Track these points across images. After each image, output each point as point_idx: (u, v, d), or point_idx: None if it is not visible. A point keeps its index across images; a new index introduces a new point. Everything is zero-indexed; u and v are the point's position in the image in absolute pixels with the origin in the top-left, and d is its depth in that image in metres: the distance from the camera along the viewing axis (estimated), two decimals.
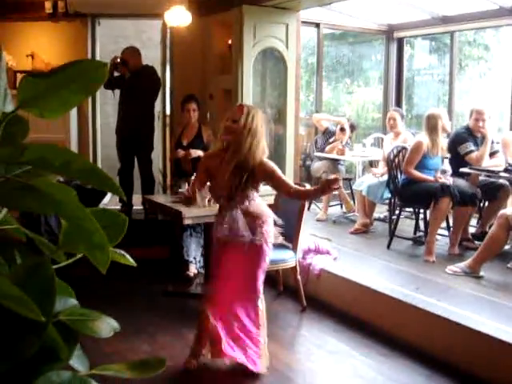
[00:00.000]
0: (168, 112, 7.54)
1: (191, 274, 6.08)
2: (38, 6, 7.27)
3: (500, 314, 4.35)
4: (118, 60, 7.11)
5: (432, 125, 6.18)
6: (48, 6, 7.25)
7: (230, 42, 6.50)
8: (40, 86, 0.97)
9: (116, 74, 7.13)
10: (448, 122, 6.43)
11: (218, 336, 3.94)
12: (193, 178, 5.63)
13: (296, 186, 4.03)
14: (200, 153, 6.15)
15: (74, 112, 7.40)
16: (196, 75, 6.92)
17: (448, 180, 5.97)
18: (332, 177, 3.79)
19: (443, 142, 6.32)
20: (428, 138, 6.17)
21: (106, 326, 1.10)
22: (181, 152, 6.31)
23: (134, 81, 7.17)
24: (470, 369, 4.00)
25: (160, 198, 6.35)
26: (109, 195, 6.23)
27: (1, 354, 0.94)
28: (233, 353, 3.96)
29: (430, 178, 6.11)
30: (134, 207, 7.51)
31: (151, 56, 7.91)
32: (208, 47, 6.82)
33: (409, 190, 6.20)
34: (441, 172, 6.23)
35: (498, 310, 4.46)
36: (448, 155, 6.47)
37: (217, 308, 3.98)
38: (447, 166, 6.56)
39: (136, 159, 7.53)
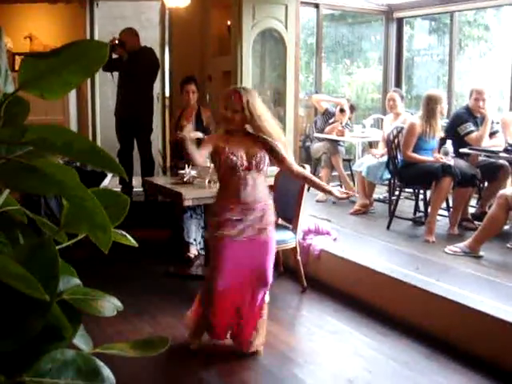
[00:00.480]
0: (167, 94, 7.53)
1: (192, 256, 6.10)
2: None
3: (499, 294, 4.37)
4: (116, 42, 7.08)
5: (430, 108, 6.15)
6: None
7: (228, 23, 6.47)
8: (40, 67, 0.97)
9: (114, 56, 7.09)
10: (445, 105, 6.41)
11: (220, 318, 3.98)
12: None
13: (302, 170, 4.04)
14: (199, 134, 6.13)
15: (72, 94, 7.39)
16: (195, 57, 6.90)
17: (450, 161, 5.96)
18: (344, 195, 3.98)
19: (439, 124, 6.30)
20: (424, 120, 6.15)
21: (109, 305, 1.11)
22: (180, 134, 6.28)
23: (132, 62, 7.14)
24: (469, 348, 4.03)
25: (160, 179, 6.37)
26: (108, 178, 6.23)
27: (6, 333, 0.95)
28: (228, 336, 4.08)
29: (430, 158, 6.11)
30: (134, 189, 7.52)
31: (150, 37, 7.88)
32: (207, 28, 6.80)
33: (409, 171, 6.20)
34: (443, 153, 6.22)
35: (497, 290, 4.48)
36: (442, 134, 6.45)
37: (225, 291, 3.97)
38: (449, 147, 6.53)
39: (135, 141, 7.53)
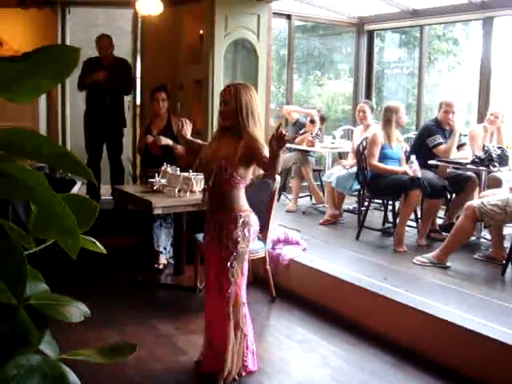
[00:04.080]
0: (138, 102, 7.50)
1: (161, 266, 6.08)
2: None
3: (466, 304, 4.42)
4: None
5: (386, 117, 6.37)
6: None
7: (201, 32, 6.49)
8: (12, 71, 0.97)
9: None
10: (404, 116, 6.50)
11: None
12: (162, 168, 5.63)
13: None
14: (169, 142, 6.12)
15: (42, 99, 7.32)
16: (167, 65, 6.90)
17: (417, 169, 6.02)
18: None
19: (397, 134, 6.44)
20: (382, 129, 6.34)
21: (77, 310, 1.11)
22: (150, 138, 6.26)
23: (109, 77, 7.08)
24: (436, 357, 4.07)
25: (130, 187, 6.33)
26: (77, 186, 6.18)
27: None
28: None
29: (397, 168, 6.19)
30: (103, 197, 7.47)
31: (122, 45, 7.86)
32: (179, 37, 6.80)
33: (378, 183, 6.26)
34: (409, 162, 6.29)
35: (463, 300, 4.53)
36: (405, 145, 6.58)
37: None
38: (415, 162, 6.63)
39: (105, 147, 7.46)
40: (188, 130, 4.27)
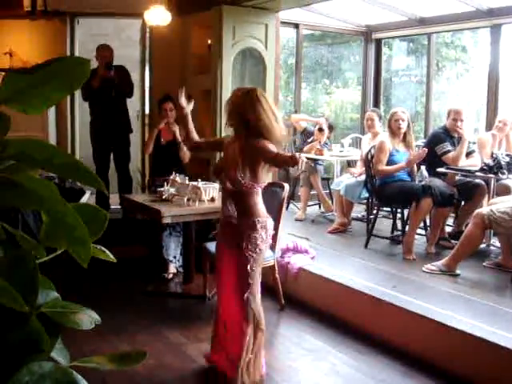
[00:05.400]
0: (147, 111, 7.53)
1: (170, 275, 6.10)
2: (16, 3, 7.21)
3: (475, 312, 4.41)
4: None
5: (387, 124, 6.48)
6: (27, 3, 7.20)
7: (209, 42, 6.52)
8: (23, 83, 0.99)
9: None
10: (403, 123, 6.46)
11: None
12: (171, 177, 5.65)
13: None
14: (177, 134, 6.17)
15: (52, 110, 7.36)
16: (175, 75, 6.92)
17: (424, 151, 6.01)
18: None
19: (411, 139, 6.46)
20: (389, 136, 6.39)
21: (87, 317, 1.12)
22: (164, 121, 6.33)
23: (107, 84, 7.12)
24: (446, 365, 4.05)
25: (138, 196, 6.34)
26: (86, 195, 6.20)
27: None
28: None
29: (401, 164, 6.17)
30: (112, 207, 7.49)
31: (130, 55, 7.91)
32: (187, 47, 6.83)
33: (387, 190, 6.25)
34: (419, 172, 6.30)
35: (473, 308, 4.52)
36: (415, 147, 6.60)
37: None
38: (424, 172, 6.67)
39: (112, 156, 7.49)
40: (186, 103, 4.29)
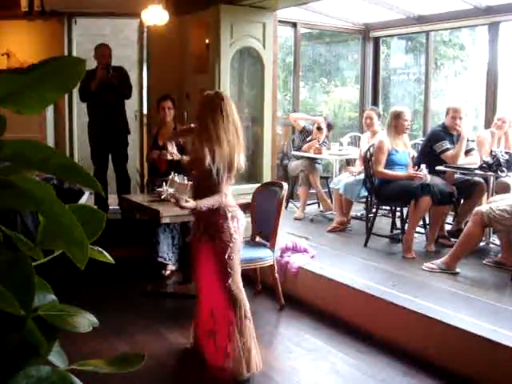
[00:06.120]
0: (145, 111, 7.52)
1: (168, 272, 6.11)
2: (13, 4, 7.19)
3: (475, 310, 4.40)
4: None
5: (388, 123, 6.43)
6: (24, 4, 7.17)
7: (207, 41, 6.50)
8: (17, 83, 0.97)
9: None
10: (407, 123, 6.47)
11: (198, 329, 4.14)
12: (170, 177, 5.64)
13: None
14: (174, 156, 6.14)
15: (50, 110, 7.34)
16: (173, 74, 6.92)
17: (425, 175, 6.00)
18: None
19: (405, 139, 6.44)
20: (387, 135, 6.35)
21: (85, 320, 1.11)
22: (155, 153, 6.32)
23: (107, 85, 7.12)
24: (446, 364, 4.05)
25: (137, 197, 6.34)
26: (85, 196, 6.19)
27: None
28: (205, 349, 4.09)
29: (403, 173, 6.17)
30: (110, 207, 7.48)
31: (128, 55, 7.90)
32: (185, 46, 6.82)
33: (386, 189, 6.23)
34: (419, 170, 6.28)
35: (473, 306, 4.51)
36: (414, 152, 6.58)
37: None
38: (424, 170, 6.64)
39: (111, 157, 7.48)
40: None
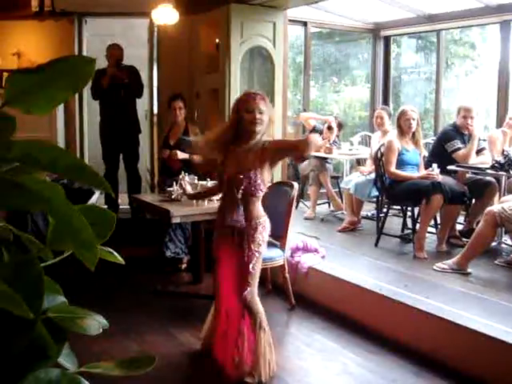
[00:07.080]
0: (155, 111, 7.53)
1: (184, 265, 6.19)
2: (24, 4, 7.21)
3: (487, 310, 4.37)
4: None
5: (397, 122, 6.38)
6: (34, 4, 7.19)
7: (217, 40, 6.50)
8: (27, 82, 0.97)
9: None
10: (413, 121, 6.39)
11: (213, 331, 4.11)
12: (180, 176, 5.64)
13: None
14: (185, 155, 6.16)
15: (60, 110, 7.36)
16: (183, 74, 6.92)
17: (437, 175, 5.96)
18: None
19: (419, 137, 6.39)
20: (397, 135, 6.32)
21: (95, 323, 1.10)
22: (166, 152, 6.33)
23: (118, 84, 7.15)
24: (458, 365, 4.02)
25: (147, 196, 6.34)
26: (95, 196, 6.20)
27: None
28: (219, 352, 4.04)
29: (415, 174, 6.14)
30: (121, 206, 7.49)
31: (138, 55, 7.89)
32: (195, 46, 6.82)
33: (397, 188, 6.20)
34: (430, 170, 6.25)
35: (485, 307, 4.48)
36: (425, 151, 6.54)
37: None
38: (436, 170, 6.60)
39: (122, 156, 7.50)
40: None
